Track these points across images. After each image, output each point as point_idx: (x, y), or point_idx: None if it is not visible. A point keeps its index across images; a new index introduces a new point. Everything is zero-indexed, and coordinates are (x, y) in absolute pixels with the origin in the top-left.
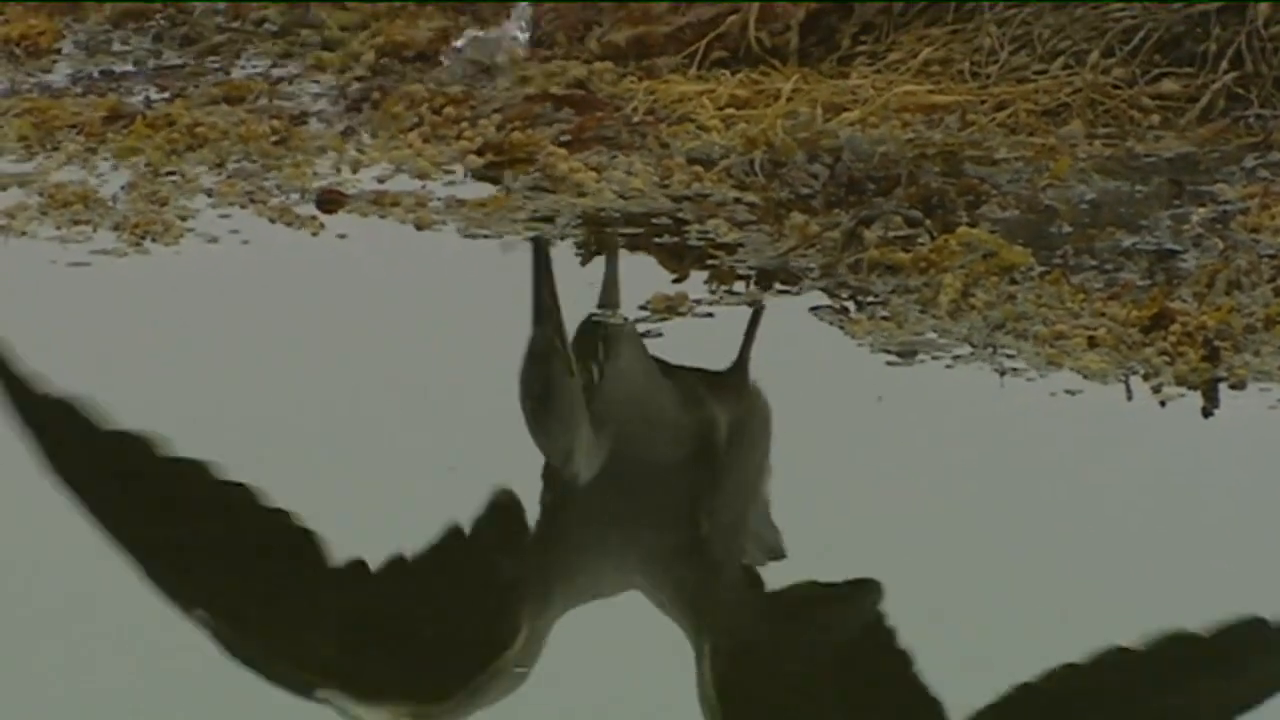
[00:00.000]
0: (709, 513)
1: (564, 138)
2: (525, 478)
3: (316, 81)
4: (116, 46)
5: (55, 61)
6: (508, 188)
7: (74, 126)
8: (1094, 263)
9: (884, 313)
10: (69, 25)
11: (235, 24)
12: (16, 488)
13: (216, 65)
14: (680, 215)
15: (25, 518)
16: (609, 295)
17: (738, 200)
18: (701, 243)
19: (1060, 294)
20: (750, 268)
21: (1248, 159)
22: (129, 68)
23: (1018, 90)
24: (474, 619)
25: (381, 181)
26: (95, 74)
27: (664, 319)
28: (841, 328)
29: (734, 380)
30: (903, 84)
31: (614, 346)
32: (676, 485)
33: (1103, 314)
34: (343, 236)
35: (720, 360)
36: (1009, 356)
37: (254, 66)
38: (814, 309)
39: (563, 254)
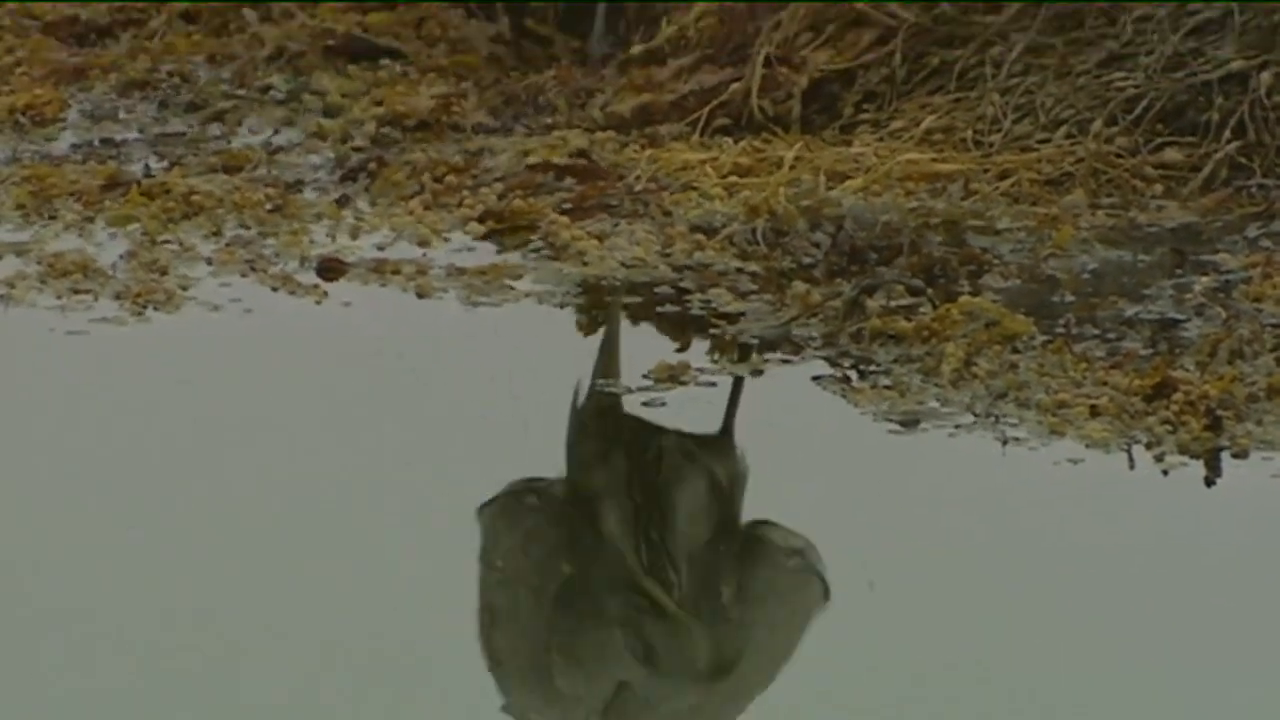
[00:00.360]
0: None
1: (566, 206)
2: None
3: (315, 151)
4: (122, 115)
5: (61, 130)
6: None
7: (72, 194)
8: (1096, 332)
9: (886, 382)
10: (74, 95)
11: (240, 91)
12: (17, 489)
13: (218, 133)
14: (683, 284)
15: (25, 519)
16: (609, 366)
17: (740, 269)
18: (704, 312)
19: (1063, 363)
20: (753, 336)
21: (1250, 228)
22: (132, 135)
23: (1020, 159)
24: None
25: (382, 249)
26: (96, 142)
27: (667, 388)
28: (844, 397)
29: (722, 443)
30: (905, 152)
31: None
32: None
33: (1105, 383)
34: (347, 305)
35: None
36: (1011, 425)
37: (256, 134)
38: (816, 378)
39: (564, 322)
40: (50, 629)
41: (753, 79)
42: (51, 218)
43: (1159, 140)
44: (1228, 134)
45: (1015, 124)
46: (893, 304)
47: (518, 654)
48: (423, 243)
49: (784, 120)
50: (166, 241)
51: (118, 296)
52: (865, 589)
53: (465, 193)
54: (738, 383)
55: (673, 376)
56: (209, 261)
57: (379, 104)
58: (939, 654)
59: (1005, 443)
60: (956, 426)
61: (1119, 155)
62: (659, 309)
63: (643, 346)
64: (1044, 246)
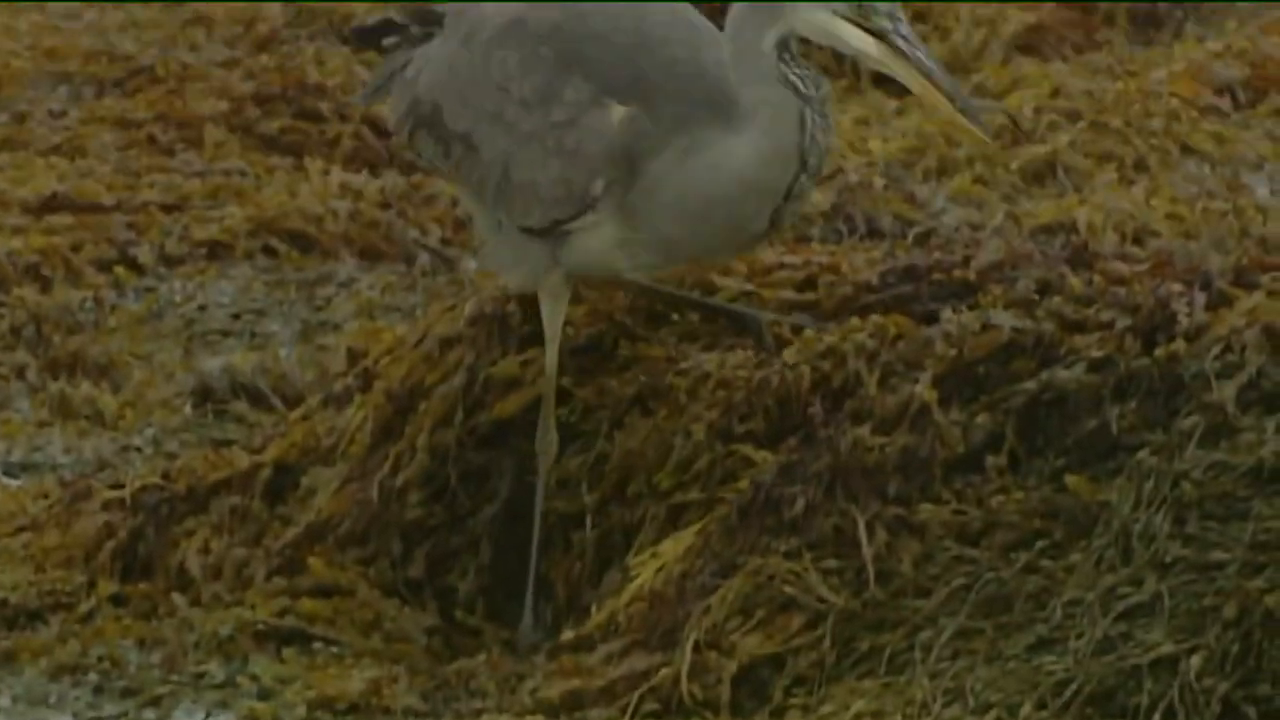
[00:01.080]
0: None
1: None
2: None
3: None
4: (53, 699)
5: None
6: None
7: None
8: None
9: None
10: (4, 679)
11: (174, 676)
12: None
13: (152, 717)
14: None
15: None
16: None
17: None
18: None
19: None
20: None
21: None
22: None
23: None
24: None
25: None
26: None
27: None
28: None
29: None
30: None
31: None
32: None
33: None
34: None
35: None
36: None
37: (189, 718)
38: None
39: None
40: None
41: (682, 664)
42: None
43: None
44: (1157, 718)
45: (945, 708)
46: None
47: None
48: None
49: (714, 705)
50: None
51: None
52: None
53: None
54: None
55: None
56: None
57: (310, 687)
58: None
59: None
60: None
61: None
62: None
63: None
64: None
